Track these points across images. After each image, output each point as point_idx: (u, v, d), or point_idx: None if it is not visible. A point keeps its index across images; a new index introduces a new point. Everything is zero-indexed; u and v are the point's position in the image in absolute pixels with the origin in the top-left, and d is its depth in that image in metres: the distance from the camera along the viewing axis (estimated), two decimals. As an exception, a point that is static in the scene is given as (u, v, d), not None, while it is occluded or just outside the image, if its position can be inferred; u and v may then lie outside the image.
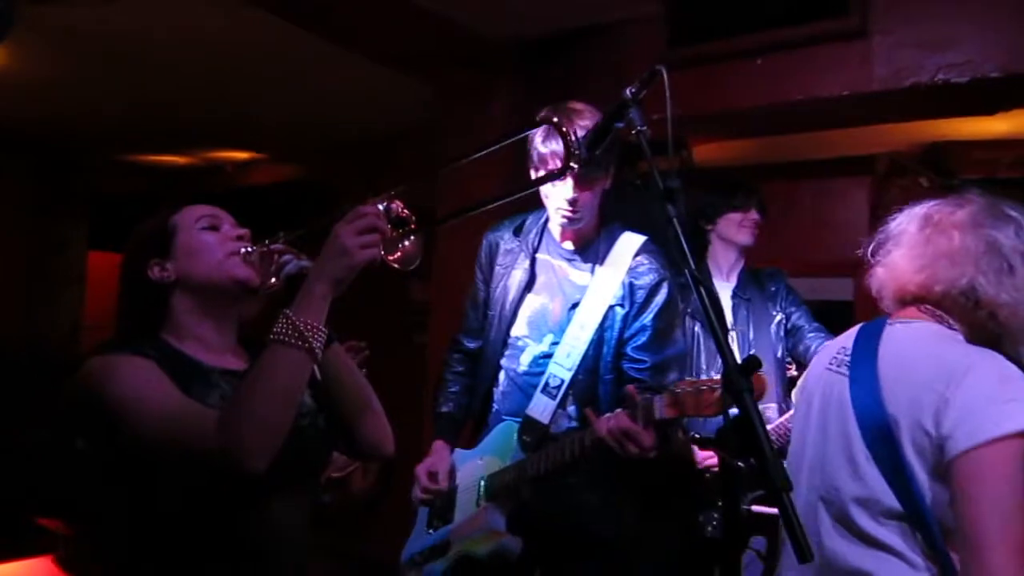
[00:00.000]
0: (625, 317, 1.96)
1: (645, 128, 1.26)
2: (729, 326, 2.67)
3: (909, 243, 1.50)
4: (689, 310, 2.63)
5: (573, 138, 1.34)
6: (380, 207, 1.25)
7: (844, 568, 1.40)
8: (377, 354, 2.27)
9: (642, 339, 1.94)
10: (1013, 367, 1.35)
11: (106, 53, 3.58)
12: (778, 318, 2.74)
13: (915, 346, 1.43)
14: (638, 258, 1.97)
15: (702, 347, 2.65)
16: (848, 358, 1.51)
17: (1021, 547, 1.24)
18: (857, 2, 2.77)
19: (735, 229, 2.74)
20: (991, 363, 1.34)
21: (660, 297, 1.96)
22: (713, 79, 3.18)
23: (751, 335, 2.68)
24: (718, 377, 1.51)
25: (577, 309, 1.97)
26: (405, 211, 1.29)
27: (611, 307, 1.95)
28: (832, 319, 3.61)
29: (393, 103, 4.10)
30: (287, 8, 2.95)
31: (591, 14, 3.26)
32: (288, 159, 5.49)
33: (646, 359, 1.94)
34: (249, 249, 1.35)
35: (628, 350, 1.96)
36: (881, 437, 1.37)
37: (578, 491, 1.94)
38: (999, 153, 3.48)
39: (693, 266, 1.15)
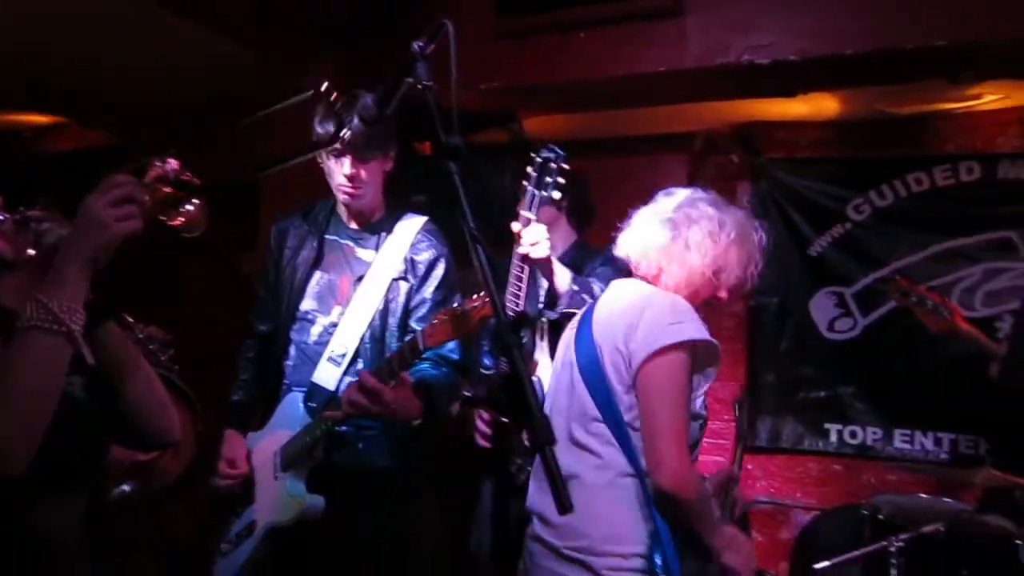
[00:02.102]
0: (409, 291, 2.11)
1: (431, 83, 1.23)
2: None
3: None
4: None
5: (339, 110, 1.35)
6: (162, 168, 1.16)
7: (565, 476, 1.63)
8: (209, 332, 2.20)
9: (423, 310, 2.10)
10: (686, 303, 1.74)
11: None
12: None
13: (621, 295, 1.83)
14: (419, 236, 2.13)
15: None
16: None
17: (683, 436, 1.60)
18: (673, -20, 2.89)
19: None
20: (668, 299, 1.75)
21: (439, 271, 2.12)
22: (540, 52, 3.22)
23: None
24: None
25: (362, 283, 2.09)
26: (186, 174, 1.20)
27: (394, 280, 2.09)
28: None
29: (213, 69, 3.84)
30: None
31: (419, -19, 3.20)
32: (95, 124, 5.02)
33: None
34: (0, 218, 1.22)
35: (412, 321, 2.10)
36: (589, 362, 1.74)
37: (368, 438, 2.05)
38: (799, 134, 3.75)
39: (472, 225, 1.14)
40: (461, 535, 2.65)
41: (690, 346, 1.66)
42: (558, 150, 2.36)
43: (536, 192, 2.34)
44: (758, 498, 3.81)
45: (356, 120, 1.88)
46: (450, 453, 2.62)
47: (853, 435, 3.63)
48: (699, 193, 1.86)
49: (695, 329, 1.67)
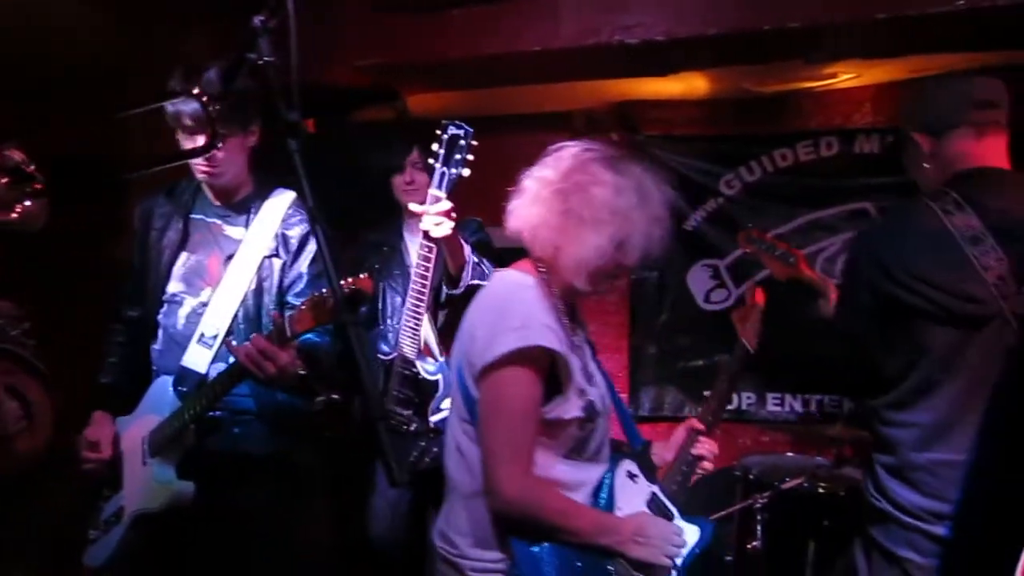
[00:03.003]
0: (283, 267, 2.06)
1: (273, 59, 1.20)
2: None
3: None
4: (376, 266, 2.71)
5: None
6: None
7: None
8: (82, 317, 2.13)
9: (299, 285, 2.07)
10: (532, 298, 1.55)
11: None
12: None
13: (485, 291, 1.67)
14: (290, 210, 2.08)
15: (387, 301, 2.68)
16: None
17: (519, 455, 1.49)
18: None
19: (400, 193, 2.68)
20: (509, 297, 1.57)
21: (312, 245, 2.06)
22: (418, 29, 3.19)
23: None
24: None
25: (232, 261, 2.03)
26: (30, 167, 1.13)
27: (266, 258, 2.04)
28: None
29: (76, 41, 3.60)
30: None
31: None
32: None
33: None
34: None
35: (288, 298, 2.06)
36: (456, 360, 1.64)
37: (243, 423, 2.01)
38: (674, 112, 3.87)
39: (311, 203, 1.13)
40: (354, 523, 2.64)
41: (534, 352, 1.49)
42: (466, 126, 2.34)
43: (445, 170, 2.32)
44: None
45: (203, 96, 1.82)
46: (343, 438, 2.60)
47: (730, 400, 3.82)
48: (591, 152, 1.58)
49: (526, 336, 1.49)
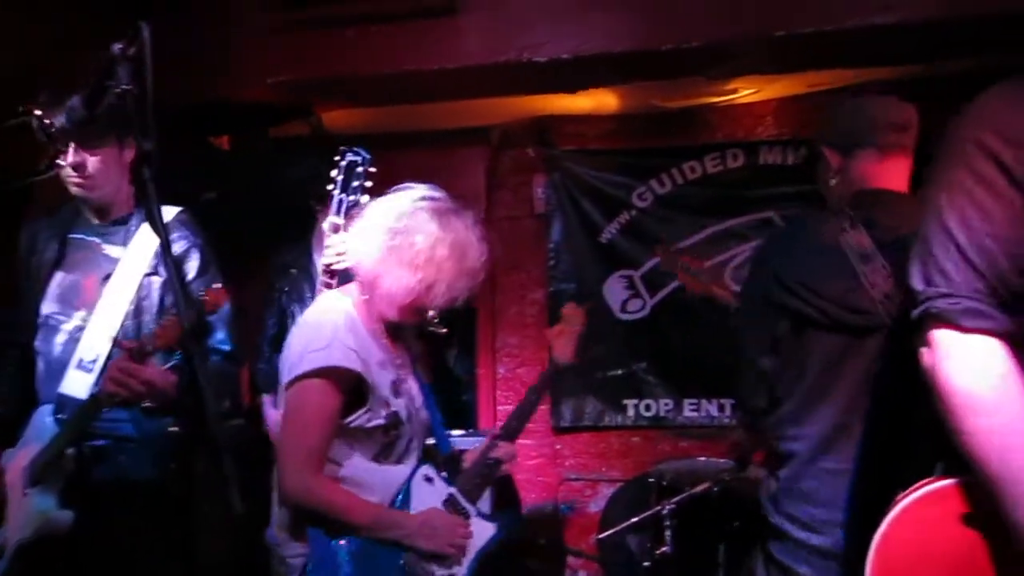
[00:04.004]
0: (162, 285, 2.02)
1: (131, 87, 1.19)
2: None
3: None
4: (286, 289, 2.67)
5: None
6: None
7: None
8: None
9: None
10: (342, 321, 1.77)
11: None
12: None
13: (309, 308, 1.93)
14: (170, 227, 2.02)
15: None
16: None
17: (303, 463, 1.72)
18: (447, -21, 2.94)
19: (321, 214, 2.62)
20: (322, 319, 1.79)
21: (194, 263, 2.05)
22: (327, 46, 3.18)
23: None
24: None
25: (110, 281, 1.99)
26: None
27: (146, 276, 2.01)
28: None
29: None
30: None
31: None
32: None
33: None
34: None
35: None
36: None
37: (129, 451, 1.98)
38: (588, 127, 3.95)
39: (163, 232, 1.13)
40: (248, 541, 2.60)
41: (334, 371, 1.71)
42: (364, 153, 2.31)
43: (343, 197, 2.28)
44: (568, 475, 4.01)
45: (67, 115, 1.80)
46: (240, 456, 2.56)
47: (648, 408, 3.90)
48: (427, 200, 1.81)
49: (328, 357, 1.71)
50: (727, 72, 3.18)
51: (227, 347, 2.07)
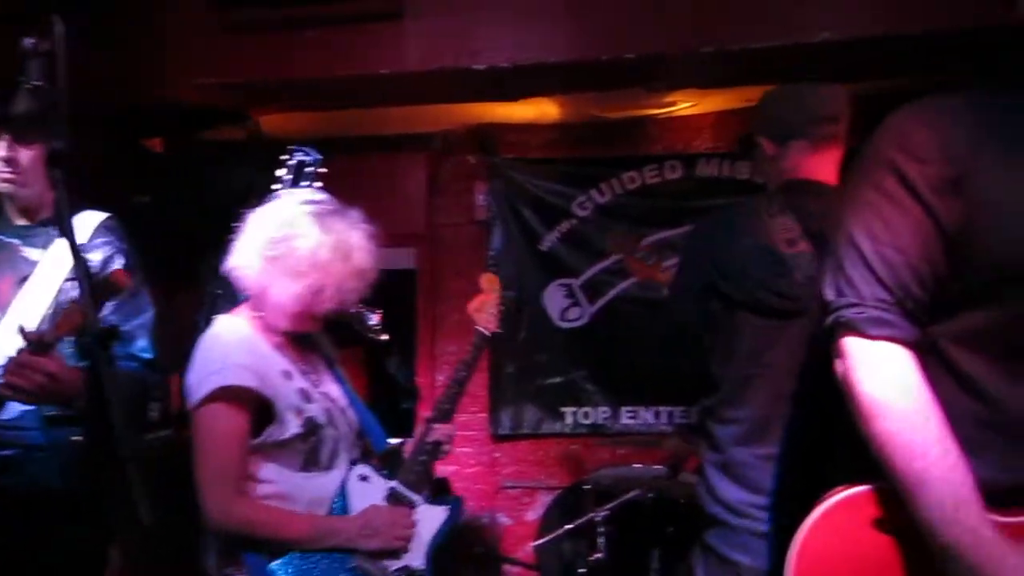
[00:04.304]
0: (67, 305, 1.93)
1: (42, 83, 1.15)
2: None
3: None
4: (219, 292, 2.63)
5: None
6: None
7: None
8: None
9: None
10: (231, 341, 1.76)
11: None
12: None
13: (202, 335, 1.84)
14: (95, 232, 1.99)
15: None
16: None
17: (218, 481, 1.68)
18: (394, -17, 2.93)
19: None
20: (212, 343, 1.77)
21: (115, 265, 1.96)
22: (266, 48, 3.13)
23: None
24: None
25: (26, 284, 1.91)
26: None
27: (66, 281, 1.92)
28: (397, 287, 3.85)
29: None
30: None
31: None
32: None
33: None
34: None
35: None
36: None
37: (39, 460, 1.89)
38: (529, 136, 3.97)
39: (70, 225, 1.09)
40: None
41: (232, 390, 1.69)
42: (314, 152, 2.28)
43: None
44: (506, 483, 4.01)
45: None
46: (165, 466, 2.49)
47: (586, 416, 3.92)
48: (304, 204, 1.79)
49: (223, 378, 1.69)
50: (665, 85, 3.24)
51: (148, 355, 2.01)
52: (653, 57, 2.91)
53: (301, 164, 2.26)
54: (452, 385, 2.17)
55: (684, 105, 3.66)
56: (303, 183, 2.27)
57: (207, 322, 2.70)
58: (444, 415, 2.09)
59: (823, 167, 1.90)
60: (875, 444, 1.10)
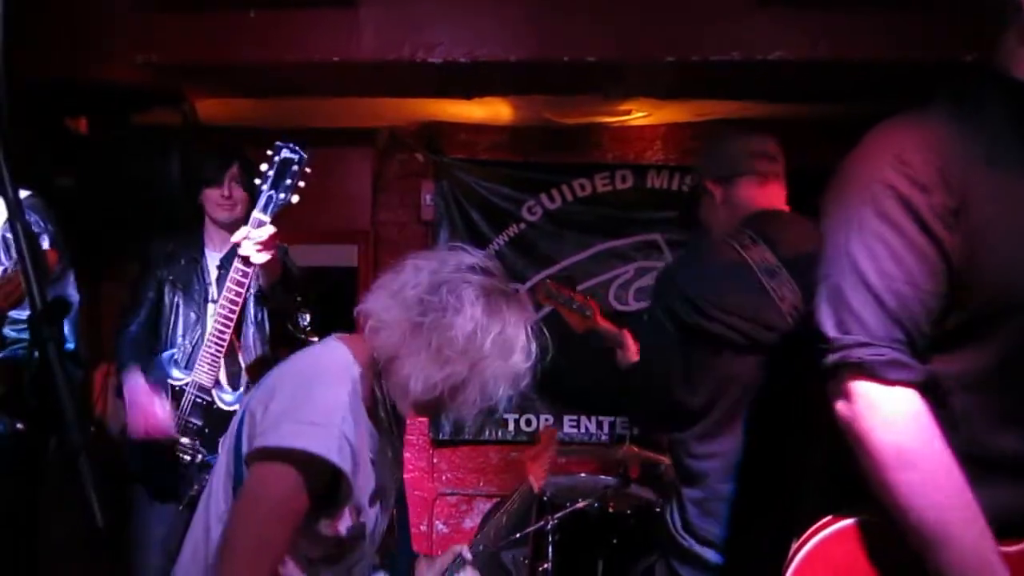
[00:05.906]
0: (3, 272, 1.83)
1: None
2: (214, 297, 2.52)
3: None
4: (171, 278, 2.50)
5: None
6: None
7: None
8: None
9: None
10: (344, 395, 1.34)
11: None
12: None
13: (305, 352, 1.49)
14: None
15: (180, 316, 2.48)
16: None
17: (259, 568, 1.28)
18: (346, -31, 2.81)
19: (213, 207, 2.54)
20: (321, 380, 1.36)
21: (43, 246, 1.86)
22: (207, 28, 2.96)
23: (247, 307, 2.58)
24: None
25: None
26: None
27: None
28: (337, 284, 3.71)
29: None
30: None
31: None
32: None
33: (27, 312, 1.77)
34: None
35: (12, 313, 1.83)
36: (243, 413, 1.39)
37: None
38: (479, 137, 3.90)
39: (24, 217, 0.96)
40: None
41: (317, 461, 1.29)
42: (300, 150, 2.19)
43: (272, 193, 2.16)
44: (443, 490, 3.90)
45: None
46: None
47: (528, 423, 3.86)
48: (476, 274, 1.39)
49: (317, 440, 1.29)
50: (622, 92, 3.21)
51: (69, 345, 1.86)
52: (614, 62, 2.88)
53: (287, 161, 2.17)
54: (492, 526, 2.13)
55: (638, 115, 3.65)
56: (287, 181, 2.16)
57: (134, 311, 2.53)
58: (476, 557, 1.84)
59: (775, 199, 1.91)
60: (893, 494, 1.04)
